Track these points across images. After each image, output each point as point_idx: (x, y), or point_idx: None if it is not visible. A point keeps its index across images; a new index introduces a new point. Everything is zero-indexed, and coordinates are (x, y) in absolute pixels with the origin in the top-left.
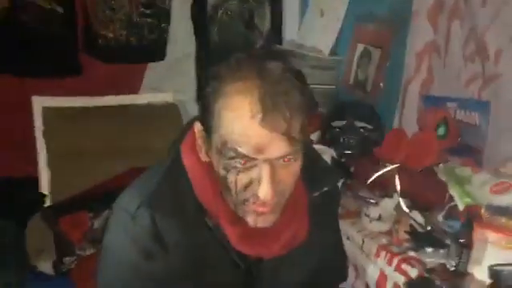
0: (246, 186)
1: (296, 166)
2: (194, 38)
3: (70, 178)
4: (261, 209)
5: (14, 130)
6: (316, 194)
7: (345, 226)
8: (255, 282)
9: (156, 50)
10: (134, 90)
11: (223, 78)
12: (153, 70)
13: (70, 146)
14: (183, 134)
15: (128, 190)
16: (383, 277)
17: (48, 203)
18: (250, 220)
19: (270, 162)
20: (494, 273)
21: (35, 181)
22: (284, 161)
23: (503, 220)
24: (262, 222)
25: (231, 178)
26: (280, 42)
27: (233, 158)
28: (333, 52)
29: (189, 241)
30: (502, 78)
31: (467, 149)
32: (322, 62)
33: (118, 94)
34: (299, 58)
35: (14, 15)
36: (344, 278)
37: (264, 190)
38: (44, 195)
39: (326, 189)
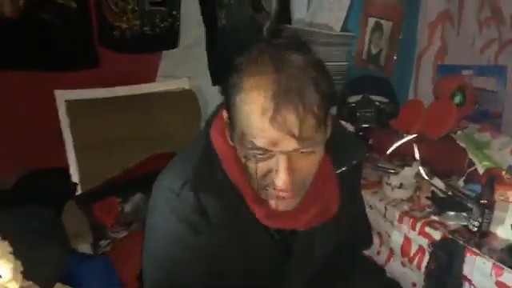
0: (265, 175)
1: (315, 157)
2: (202, 23)
3: (97, 166)
4: (281, 194)
5: (41, 124)
6: (344, 168)
7: (367, 196)
8: (291, 251)
9: (169, 38)
10: (151, 78)
11: (243, 71)
12: (167, 58)
13: (94, 136)
14: (212, 118)
15: (168, 171)
16: (408, 241)
17: (79, 191)
18: (272, 203)
19: (287, 153)
20: None
21: (65, 171)
22: (301, 152)
23: None
24: (284, 206)
25: (251, 165)
26: (289, 21)
27: (251, 149)
28: (344, 28)
29: (229, 216)
30: None
31: (486, 114)
32: (333, 38)
33: (135, 83)
34: (310, 36)
35: (30, 12)
36: (369, 244)
37: (281, 179)
38: (75, 184)
39: (354, 162)
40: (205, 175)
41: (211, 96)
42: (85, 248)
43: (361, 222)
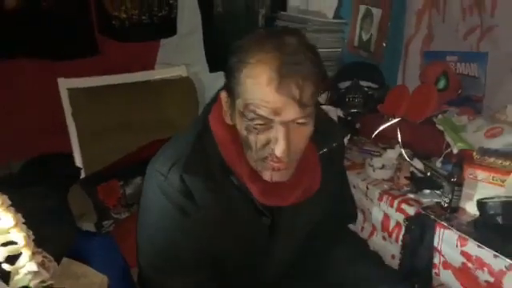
0: (264, 145)
1: (307, 130)
2: (199, 11)
3: (99, 151)
4: (277, 165)
5: (46, 111)
6: (325, 149)
7: (351, 177)
8: (277, 225)
9: (167, 27)
10: (150, 66)
11: (247, 50)
12: (165, 46)
13: (96, 123)
14: (209, 106)
15: (160, 154)
16: (387, 217)
17: (83, 175)
18: (267, 175)
19: (285, 125)
20: (481, 205)
21: (69, 156)
22: (297, 123)
23: (492, 160)
24: (278, 177)
25: (252, 137)
26: (284, 8)
27: (253, 119)
28: (336, 15)
29: (216, 196)
30: (499, 28)
31: (468, 99)
32: (326, 25)
33: (135, 71)
34: (304, 23)
35: (33, 2)
36: (354, 219)
37: (280, 148)
38: (79, 168)
39: (334, 145)
40: (196, 158)
41: (208, 82)
42: (89, 227)
43: (346, 199)
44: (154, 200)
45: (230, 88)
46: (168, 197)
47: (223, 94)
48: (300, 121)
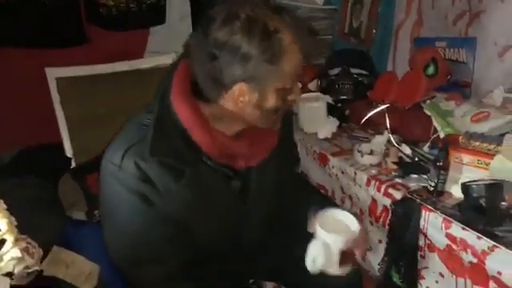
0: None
1: None
2: None
3: (89, 140)
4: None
5: (35, 101)
6: None
7: (339, 162)
8: (248, 188)
9: (156, 15)
10: (139, 54)
11: (276, 38)
12: (154, 34)
13: (85, 112)
14: (166, 85)
15: (111, 144)
16: (374, 202)
17: (73, 165)
18: (279, 122)
19: None
20: (465, 188)
21: (59, 146)
22: None
23: (477, 144)
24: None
25: (273, 108)
26: None
27: (286, 94)
28: (327, 1)
29: (179, 175)
30: (486, 13)
31: (456, 84)
32: (316, 12)
33: (124, 59)
34: (295, 9)
35: None
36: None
37: (298, 92)
38: (69, 158)
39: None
40: (152, 141)
41: None
42: (80, 216)
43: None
44: (113, 193)
45: (258, 78)
46: (126, 186)
47: (243, 87)
48: None
